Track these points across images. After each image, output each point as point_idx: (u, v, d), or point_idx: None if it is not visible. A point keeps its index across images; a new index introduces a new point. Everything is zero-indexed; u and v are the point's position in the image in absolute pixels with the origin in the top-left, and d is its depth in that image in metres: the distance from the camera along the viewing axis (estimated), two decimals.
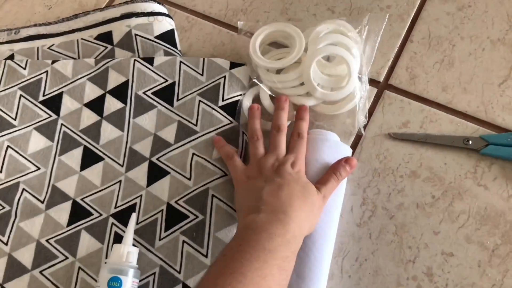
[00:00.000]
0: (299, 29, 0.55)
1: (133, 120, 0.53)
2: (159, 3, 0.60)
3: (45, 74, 0.57)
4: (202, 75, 0.54)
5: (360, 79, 0.53)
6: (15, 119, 0.55)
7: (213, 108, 0.53)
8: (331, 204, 0.47)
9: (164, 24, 0.58)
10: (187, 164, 0.50)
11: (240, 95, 0.53)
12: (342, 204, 0.49)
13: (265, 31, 0.55)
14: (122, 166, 0.52)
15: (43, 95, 0.56)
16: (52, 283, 0.47)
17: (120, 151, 0.52)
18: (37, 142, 0.54)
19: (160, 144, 0.52)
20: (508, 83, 0.53)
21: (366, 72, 0.54)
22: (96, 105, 0.55)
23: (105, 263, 0.45)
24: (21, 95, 0.56)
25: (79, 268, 0.48)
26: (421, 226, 0.48)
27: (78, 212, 0.50)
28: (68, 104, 0.55)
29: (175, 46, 0.58)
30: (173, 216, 0.48)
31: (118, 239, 0.48)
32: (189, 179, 0.50)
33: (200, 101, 0.53)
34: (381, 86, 0.55)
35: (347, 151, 0.50)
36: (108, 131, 0.53)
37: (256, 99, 0.54)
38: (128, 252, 0.45)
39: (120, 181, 0.51)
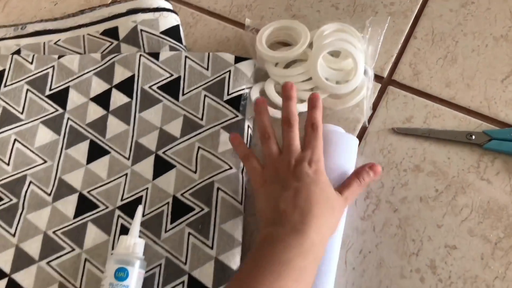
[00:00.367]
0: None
1: (139, 114, 0.54)
2: None
3: (51, 68, 0.57)
4: (207, 69, 0.55)
5: (366, 72, 0.53)
6: (22, 113, 0.55)
7: (218, 103, 0.53)
8: None
9: (169, 20, 0.59)
10: (193, 157, 0.51)
11: (245, 89, 0.54)
12: None
13: (271, 27, 0.56)
14: (128, 159, 0.52)
15: (50, 90, 0.56)
16: (59, 274, 0.48)
17: (126, 145, 0.53)
18: (44, 135, 0.54)
19: (166, 138, 0.52)
20: (511, 79, 0.54)
21: (371, 67, 0.54)
22: (102, 100, 0.55)
23: (112, 254, 0.46)
24: (28, 89, 0.56)
25: (86, 259, 0.48)
26: (425, 219, 0.48)
27: (84, 205, 0.51)
28: (74, 99, 0.56)
29: (181, 42, 0.58)
30: (179, 209, 0.49)
31: (125, 231, 0.48)
32: (195, 172, 0.50)
33: (205, 95, 0.54)
34: (385, 82, 0.56)
35: (354, 141, 0.50)
36: (114, 125, 0.54)
37: (263, 93, 0.54)
38: (134, 243, 0.45)
39: (126, 174, 0.52)
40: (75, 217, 0.50)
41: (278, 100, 0.53)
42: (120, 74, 0.56)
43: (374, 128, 0.53)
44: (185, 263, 0.47)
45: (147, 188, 0.51)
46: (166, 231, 0.48)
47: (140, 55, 0.56)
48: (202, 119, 0.53)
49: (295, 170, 0.44)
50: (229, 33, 0.61)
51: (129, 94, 0.55)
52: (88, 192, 0.51)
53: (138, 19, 0.58)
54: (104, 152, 0.53)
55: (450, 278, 0.46)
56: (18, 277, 0.48)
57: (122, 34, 0.58)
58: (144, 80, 0.55)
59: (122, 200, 0.50)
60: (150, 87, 0.55)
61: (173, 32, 0.58)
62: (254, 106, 0.50)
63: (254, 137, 0.54)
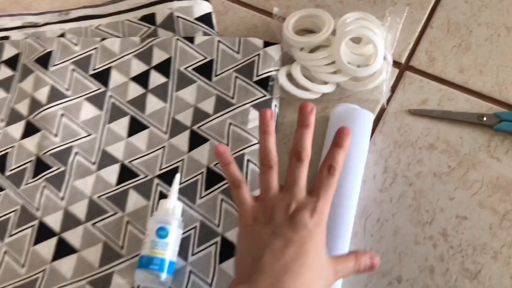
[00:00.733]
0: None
1: (175, 93, 0.59)
2: None
3: (95, 50, 0.62)
4: (238, 53, 0.60)
5: (385, 58, 0.57)
6: (68, 90, 0.60)
7: (248, 83, 0.58)
8: (355, 169, 0.52)
9: (203, 8, 0.63)
10: (225, 132, 0.56)
11: (273, 71, 0.58)
12: (366, 172, 0.53)
13: (297, 14, 0.60)
14: (166, 133, 0.57)
15: (93, 69, 0.61)
16: (104, 234, 0.53)
17: (164, 121, 0.58)
18: (88, 111, 0.59)
19: (200, 114, 0.57)
20: None
21: (390, 54, 0.58)
22: (141, 79, 0.60)
23: (152, 215, 0.51)
24: (73, 69, 0.61)
25: (127, 221, 0.53)
26: (438, 192, 0.53)
27: (126, 173, 0.56)
28: (116, 78, 0.61)
29: (213, 28, 0.63)
30: (213, 178, 0.54)
31: (163, 197, 0.53)
32: (227, 145, 0.55)
33: (236, 76, 0.58)
34: (403, 67, 0.60)
35: (369, 115, 0.54)
36: (153, 103, 0.59)
37: (289, 76, 0.59)
38: (173, 206, 0.50)
39: (164, 147, 0.56)
40: (117, 184, 0.55)
41: (304, 82, 0.57)
42: (158, 56, 0.60)
43: (392, 109, 0.58)
44: (218, 226, 0.51)
45: (183, 159, 0.55)
46: (200, 198, 0.53)
47: (177, 39, 0.61)
48: (233, 98, 0.57)
49: (293, 216, 0.37)
50: (257, 21, 0.65)
51: (166, 75, 0.60)
52: (129, 162, 0.56)
53: (174, 6, 0.63)
54: (144, 127, 0.58)
55: (461, 245, 0.50)
56: (66, 236, 0.53)
57: (159, 20, 0.63)
58: (180, 62, 0.60)
59: (160, 169, 0.55)
60: (185, 68, 0.60)
61: (206, 19, 0.63)
62: (260, 122, 0.43)
63: (280, 116, 0.58)
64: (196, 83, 0.59)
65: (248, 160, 0.54)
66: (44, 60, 0.62)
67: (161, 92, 0.59)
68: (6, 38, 0.66)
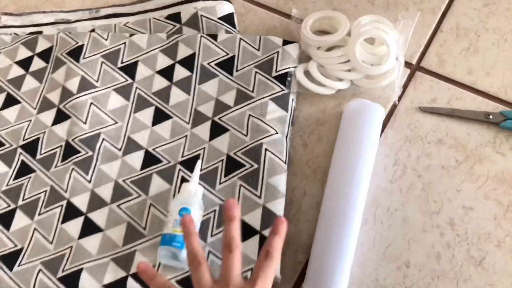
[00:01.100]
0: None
1: (198, 86, 0.62)
2: None
3: (123, 45, 0.66)
4: (258, 50, 0.63)
5: (397, 58, 0.61)
6: (97, 81, 0.64)
7: (267, 78, 0.61)
8: (366, 160, 0.55)
9: (225, 8, 0.67)
10: (244, 123, 0.59)
11: (291, 67, 0.62)
12: (377, 163, 0.56)
13: (315, 16, 0.64)
14: (188, 123, 0.61)
15: (121, 63, 0.65)
16: (128, 215, 0.56)
17: (187, 111, 0.61)
18: (115, 101, 0.63)
19: (221, 106, 0.61)
20: None
21: (402, 55, 0.62)
22: (166, 73, 0.64)
23: (175, 198, 0.54)
24: (102, 62, 0.65)
25: (150, 204, 0.56)
26: (445, 184, 0.55)
27: (150, 159, 0.59)
28: (142, 71, 0.64)
29: (234, 27, 0.67)
30: (232, 165, 0.57)
31: (184, 182, 0.56)
32: (246, 135, 0.58)
33: (256, 72, 0.62)
34: (414, 68, 0.63)
35: (379, 108, 0.58)
36: (177, 95, 0.62)
37: (306, 73, 0.62)
38: (195, 189, 0.53)
39: (186, 136, 0.60)
40: (141, 169, 0.58)
41: (320, 78, 0.61)
42: (183, 52, 0.64)
43: (403, 106, 0.61)
44: None
45: (204, 148, 0.59)
46: (220, 183, 0.56)
47: (201, 36, 0.65)
48: (252, 91, 0.61)
49: None
50: (276, 22, 0.69)
51: (190, 69, 0.63)
52: (153, 149, 0.60)
53: (198, 6, 0.67)
54: (167, 117, 0.61)
55: (467, 234, 0.53)
56: (92, 216, 0.56)
57: (184, 18, 0.67)
58: (203, 57, 0.64)
59: (182, 156, 0.59)
60: (208, 63, 0.63)
61: (228, 19, 0.67)
62: (182, 226, 0.43)
63: (296, 110, 0.62)
64: (218, 77, 0.63)
65: (266, 149, 0.57)
66: (75, 53, 0.66)
67: (184, 85, 0.63)
68: (39, 33, 0.70)
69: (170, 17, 0.68)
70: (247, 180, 0.55)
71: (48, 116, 0.63)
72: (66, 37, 0.68)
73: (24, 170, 0.60)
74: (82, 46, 0.66)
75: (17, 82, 0.66)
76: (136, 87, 0.64)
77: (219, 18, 0.66)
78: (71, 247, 0.55)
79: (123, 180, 0.58)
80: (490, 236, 0.52)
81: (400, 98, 0.61)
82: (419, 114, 0.60)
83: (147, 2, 0.71)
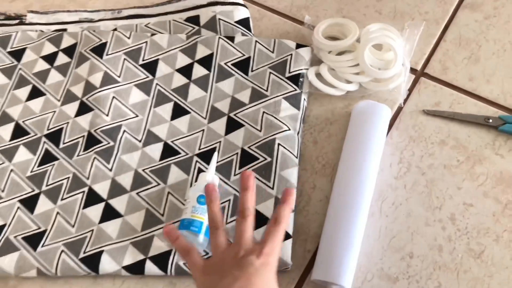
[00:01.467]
0: None
1: (215, 84, 0.66)
2: None
3: (145, 44, 0.70)
4: (273, 52, 0.67)
5: (403, 64, 0.65)
6: (119, 77, 0.68)
7: (281, 78, 0.65)
8: (373, 157, 0.58)
9: (242, 13, 0.71)
10: (259, 119, 0.62)
11: (303, 69, 0.66)
12: (383, 161, 0.60)
13: (327, 22, 0.68)
14: (205, 118, 0.64)
15: (143, 60, 0.69)
16: (146, 202, 0.59)
17: (204, 107, 0.65)
18: (136, 95, 0.66)
19: (237, 104, 0.64)
20: None
21: (407, 61, 0.66)
22: (185, 71, 0.67)
23: (193, 186, 0.57)
24: (125, 59, 0.69)
25: (168, 192, 0.59)
26: (447, 182, 0.59)
27: (168, 151, 0.62)
28: (162, 69, 0.68)
29: (250, 31, 0.71)
30: (246, 158, 0.60)
31: (201, 172, 0.60)
32: (260, 130, 0.62)
33: (270, 72, 0.66)
34: (418, 74, 0.67)
35: (386, 109, 0.61)
36: (195, 92, 0.66)
37: (318, 75, 0.66)
38: (212, 177, 0.57)
39: (203, 130, 0.63)
40: (160, 159, 0.62)
41: (331, 80, 0.65)
42: (202, 52, 0.68)
43: (408, 109, 0.65)
44: None
45: (220, 141, 0.62)
46: (235, 175, 0.59)
47: (219, 38, 0.68)
48: (267, 90, 0.64)
49: (240, 259, 0.40)
50: (289, 28, 0.73)
51: (208, 68, 0.67)
52: (172, 141, 0.63)
53: (217, 10, 0.71)
54: (185, 112, 0.65)
55: (467, 228, 0.56)
56: (113, 202, 0.59)
57: (202, 21, 0.71)
58: (221, 57, 0.67)
59: (199, 149, 0.62)
60: (225, 63, 0.67)
61: (244, 23, 0.71)
62: (205, 193, 0.46)
63: (307, 109, 0.65)
64: (234, 77, 0.66)
65: (279, 144, 0.60)
66: (99, 50, 0.69)
67: (202, 82, 0.66)
68: (64, 30, 0.74)
69: (189, 20, 0.72)
70: (260, 172, 0.59)
71: (72, 108, 0.66)
72: (90, 34, 0.71)
73: (48, 157, 0.63)
74: (105, 43, 0.70)
75: (42, 75, 0.70)
76: (156, 84, 0.67)
77: (236, 22, 0.70)
78: (92, 230, 0.58)
79: (143, 170, 0.61)
80: (489, 231, 0.56)
81: (405, 101, 0.65)
82: (423, 116, 0.64)
83: (168, 5, 0.75)
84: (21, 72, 0.70)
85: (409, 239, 0.56)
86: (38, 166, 0.63)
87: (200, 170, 0.60)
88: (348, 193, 0.57)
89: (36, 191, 0.61)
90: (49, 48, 0.72)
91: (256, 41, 0.68)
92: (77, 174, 0.61)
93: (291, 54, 0.67)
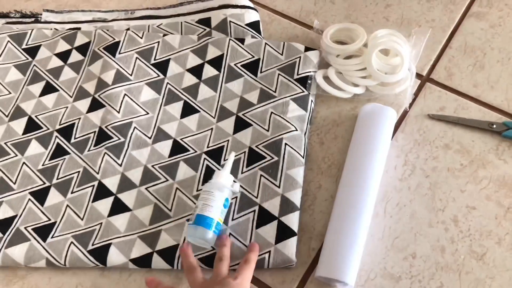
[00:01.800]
0: None
1: (224, 85, 0.68)
2: (249, 0, 0.75)
3: (157, 43, 0.72)
4: (282, 54, 0.69)
5: (409, 69, 0.66)
6: (131, 75, 0.69)
7: (289, 80, 0.66)
8: (378, 158, 0.59)
9: (252, 16, 0.73)
10: (266, 119, 0.64)
11: (311, 71, 0.67)
12: (388, 163, 0.61)
13: (335, 27, 0.70)
14: (214, 117, 0.65)
15: (154, 59, 0.70)
16: (155, 197, 0.60)
17: (213, 107, 0.66)
18: (147, 93, 0.68)
19: (245, 104, 0.66)
20: None
21: (414, 66, 0.67)
22: (196, 71, 0.69)
23: (209, 182, 0.57)
24: (137, 58, 0.71)
25: (177, 188, 0.60)
26: (451, 185, 0.60)
27: (177, 148, 0.63)
28: (173, 68, 0.70)
29: (260, 34, 0.72)
30: (254, 157, 0.61)
31: (209, 170, 0.61)
32: (267, 130, 0.63)
33: (279, 74, 0.67)
34: (424, 79, 0.69)
35: (391, 111, 0.62)
36: (205, 91, 0.67)
37: (326, 78, 0.68)
38: (227, 177, 0.57)
39: (212, 129, 0.65)
40: (169, 156, 0.63)
41: (338, 82, 0.66)
42: (212, 53, 0.70)
43: (413, 113, 0.66)
44: (257, 197, 0.59)
45: (228, 140, 0.63)
46: (242, 173, 0.61)
47: (230, 39, 0.70)
48: (275, 91, 0.66)
49: (219, 281, 0.50)
50: (298, 32, 0.75)
51: (218, 69, 0.69)
52: (181, 139, 0.64)
53: (228, 13, 0.73)
54: (195, 111, 0.66)
55: (469, 230, 0.57)
56: (122, 196, 0.60)
57: (214, 23, 0.73)
58: (231, 58, 0.69)
59: (208, 147, 0.63)
60: (235, 64, 0.69)
61: (254, 26, 0.72)
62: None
63: (314, 111, 0.67)
64: (243, 77, 0.68)
65: (286, 144, 0.61)
66: (112, 48, 0.71)
67: (212, 82, 0.68)
68: (78, 29, 0.76)
69: (200, 21, 0.74)
70: (267, 171, 0.60)
71: (84, 104, 0.68)
72: (104, 33, 0.73)
73: (59, 152, 0.64)
74: (118, 42, 0.72)
75: (56, 72, 0.71)
76: (167, 83, 0.69)
77: (246, 25, 0.72)
78: (101, 223, 0.59)
79: (152, 166, 0.62)
80: (491, 234, 0.57)
81: (411, 105, 0.66)
82: (428, 120, 0.65)
83: (180, 7, 0.76)
84: (35, 68, 0.72)
85: (412, 239, 0.57)
86: (50, 160, 0.64)
87: (208, 167, 0.62)
88: (353, 193, 0.58)
89: (47, 184, 0.62)
90: (63, 46, 0.74)
91: (265, 43, 0.70)
92: (87, 168, 0.63)
93: (300, 57, 0.68)
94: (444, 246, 0.56)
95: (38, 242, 0.58)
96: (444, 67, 0.69)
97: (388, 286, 0.54)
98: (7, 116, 0.68)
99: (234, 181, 0.58)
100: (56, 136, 0.66)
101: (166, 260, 0.56)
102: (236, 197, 0.59)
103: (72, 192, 0.61)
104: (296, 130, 0.63)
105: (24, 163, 0.64)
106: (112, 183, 0.61)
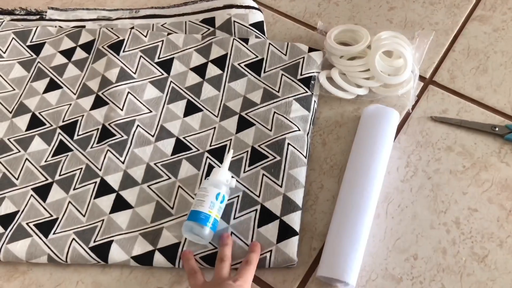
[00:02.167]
0: None
1: (228, 84, 0.68)
2: (254, 0, 0.76)
3: (161, 42, 0.72)
4: (285, 55, 0.69)
5: (412, 71, 0.66)
6: (135, 73, 0.69)
7: (292, 80, 0.67)
8: (380, 159, 0.59)
9: (256, 16, 0.73)
10: (269, 119, 0.64)
11: (315, 72, 0.67)
12: (390, 164, 0.61)
13: (339, 28, 0.70)
14: (217, 117, 0.65)
15: (158, 58, 0.71)
16: (157, 195, 0.60)
17: (216, 106, 0.66)
18: (151, 92, 0.68)
19: (248, 103, 0.66)
20: None
21: (417, 68, 0.67)
22: (199, 70, 0.69)
23: (206, 179, 0.58)
24: (141, 56, 0.71)
25: (179, 186, 0.61)
26: (453, 187, 0.60)
27: (180, 146, 0.64)
28: (177, 67, 0.70)
29: (264, 34, 0.73)
30: (256, 156, 0.61)
31: (211, 168, 0.61)
32: (270, 130, 0.63)
33: (282, 74, 0.67)
34: (427, 81, 0.69)
35: (394, 113, 0.63)
36: (208, 90, 0.68)
37: (329, 78, 0.68)
38: (225, 174, 0.58)
39: (214, 128, 0.65)
40: (172, 154, 0.63)
41: (342, 83, 0.66)
42: (216, 52, 0.70)
43: (416, 115, 0.66)
44: (259, 196, 0.59)
45: (231, 139, 0.63)
46: (244, 172, 0.61)
47: (233, 39, 0.70)
48: (278, 91, 0.66)
49: (220, 283, 0.50)
50: (302, 33, 0.75)
51: (222, 68, 0.69)
52: (184, 137, 0.64)
53: (232, 13, 0.73)
54: (198, 110, 0.66)
55: (471, 232, 0.57)
56: (124, 194, 0.61)
57: (218, 23, 0.73)
58: (234, 58, 0.69)
59: (210, 146, 0.63)
60: (239, 64, 0.69)
61: (258, 26, 0.73)
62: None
63: (317, 112, 0.67)
64: (246, 77, 0.68)
65: (288, 144, 0.61)
66: (116, 46, 0.71)
67: (215, 82, 0.68)
68: (82, 27, 0.76)
69: (205, 21, 0.74)
70: (269, 170, 0.60)
71: (87, 101, 0.68)
72: (108, 31, 0.73)
73: (62, 148, 0.65)
74: (122, 40, 0.72)
75: (60, 69, 0.72)
76: (171, 81, 0.69)
77: (250, 25, 0.72)
78: (103, 220, 0.59)
79: (155, 163, 0.62)
80: (493, 236, 0.56)
81: (413, 107, 0.66)
82: (430, 122, 0.65)
83: (184, 6, 0.77)
84: (39, 65, 0.72)
85: (414, 241, 0.57)
86: (52, 156, 0.64)
87: (210, 166, 0.62)
88: (355, 193, 0.58)
89: (50, 180, 0.62)
90: (67, 44, 0.74)
91: (269, 43, 0.70)
92: (90, 165, 0.63)
93: (303, 57, 0.68)
94: (445, 248, 0.56)
95: (40, 238, 0.58)
96: (447, 70, 0.69)
97: (389, 287, 0.54)
98: (10, 112, 0.68)
99: (232, 177, 0.59)
100: (59, 133, 0.66)
101: (168, 258, 0.56)
102: (238, 196, 0.59)
103: (74, 189, 0.61)
104: (299, 130, 0.63)
105: (27, 159, 0.64)
106: (114, 180, 0.61)
